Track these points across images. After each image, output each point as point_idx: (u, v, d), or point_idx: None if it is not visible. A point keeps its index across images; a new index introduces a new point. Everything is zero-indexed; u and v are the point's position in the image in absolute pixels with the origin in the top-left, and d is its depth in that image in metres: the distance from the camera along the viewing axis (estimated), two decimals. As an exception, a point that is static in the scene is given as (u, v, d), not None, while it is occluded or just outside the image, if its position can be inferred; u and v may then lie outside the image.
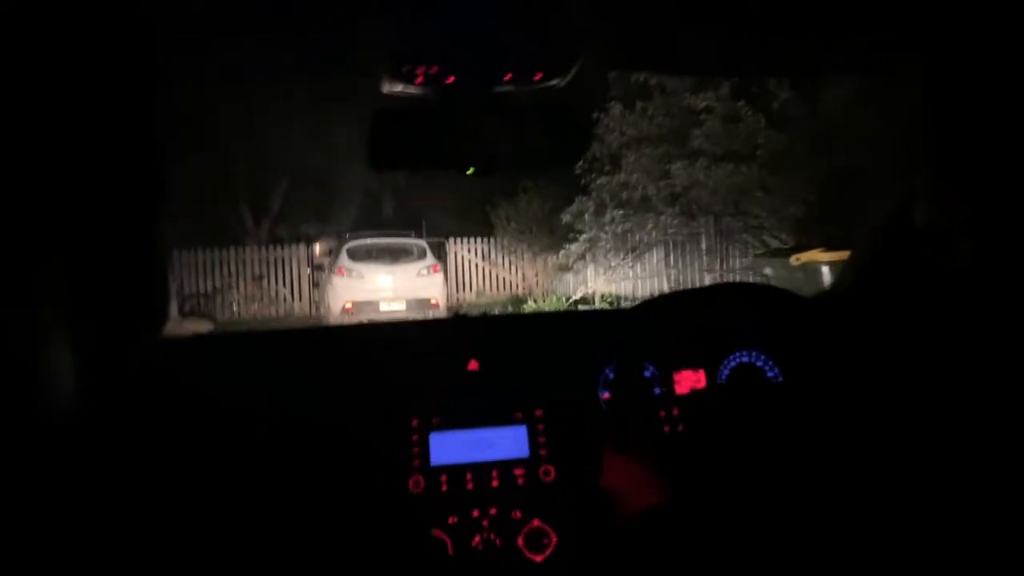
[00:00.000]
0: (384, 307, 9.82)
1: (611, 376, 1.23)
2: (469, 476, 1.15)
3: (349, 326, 1.67)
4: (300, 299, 12.14)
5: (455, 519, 1.13)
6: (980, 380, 0.85)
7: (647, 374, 1.24)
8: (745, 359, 1.24)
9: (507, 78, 1.02)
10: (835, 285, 1.28)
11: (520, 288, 12.23)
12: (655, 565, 0.98)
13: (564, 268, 10.93)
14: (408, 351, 1.23)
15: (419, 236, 11.49)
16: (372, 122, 1.04)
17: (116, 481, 0.58)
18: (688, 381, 1.25)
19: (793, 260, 7.65)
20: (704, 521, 1.03)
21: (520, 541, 1.14)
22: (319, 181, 12.53)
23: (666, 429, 1.22)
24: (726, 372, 1.24)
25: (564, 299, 10.86)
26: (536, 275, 11.89)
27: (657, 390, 1.23)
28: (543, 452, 1.18)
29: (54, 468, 0.52)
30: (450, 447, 1.16)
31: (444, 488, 1.14)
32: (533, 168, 1.16)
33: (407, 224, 11.96)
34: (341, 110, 9.74)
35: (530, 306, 10.79)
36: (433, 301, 10.17)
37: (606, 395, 1.23)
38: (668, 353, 1.24)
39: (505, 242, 12.23)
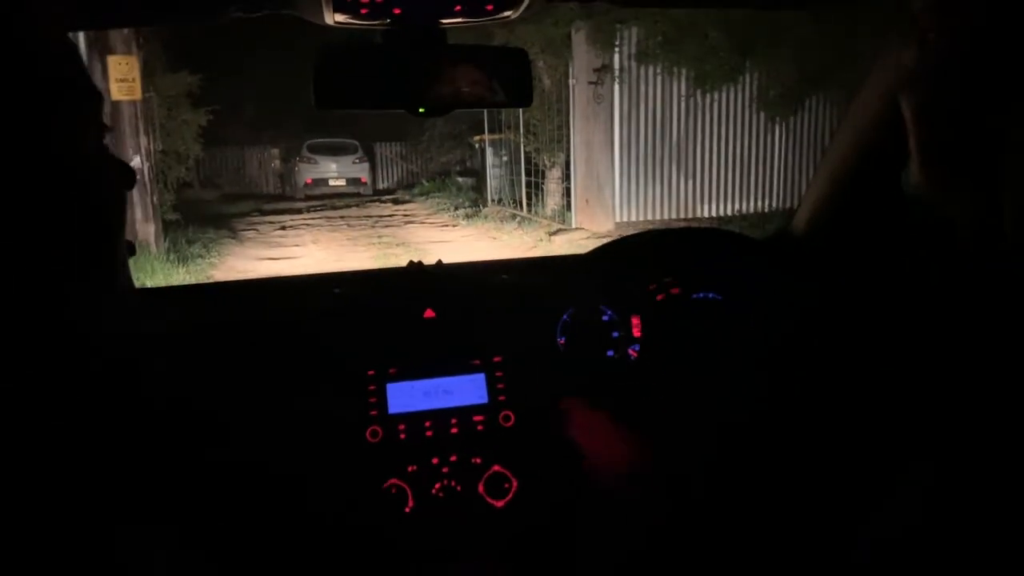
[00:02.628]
0: (332, 183, 15.24)
1: (568, 321, 1.22)
2: (428, 424, 1.13)
3: (302, 276, 1.47)
4: (268, 184, 17.36)
5: (414, 467, 1.11)
6: (937, 329, 0.84)
7: (604, 318, 1.22)
8: (701, 296, 1.23)
9: (457, 8, 0.99)
10: (791, 226, 1.28)
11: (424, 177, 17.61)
12: (627, 521, 0.99)
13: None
14: (362, 301, 1.20)
15: (355, 139, 16.64)
16: (317, 58, 1.00)
17: (67, 437, 0.53)
18: (645, 324, 1.24)
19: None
20: (667, 467, 1.04)
21: (481, 487, 1.13)
22: (278, 97, 17.14)
23: (624, 371, 1.21)
24: (684, 314, 1.23)
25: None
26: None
27: (615, 334, 1.22)
28: (502, 398, 1.17)
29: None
30: (408, 396, 1.15)
31: (403, 437, 1.12)
32: (483, 108, 1.09)
33: (347, 129, 17.01)
34: (298, 40, 10.95)
35: (427, 186, 16.25)
36: (363, 179, 15.64)
37: (563, 338, 1.22)
38: (625, 296, 1.23)
39: (419, 146, 17.60)
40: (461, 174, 15.14)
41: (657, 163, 8.72)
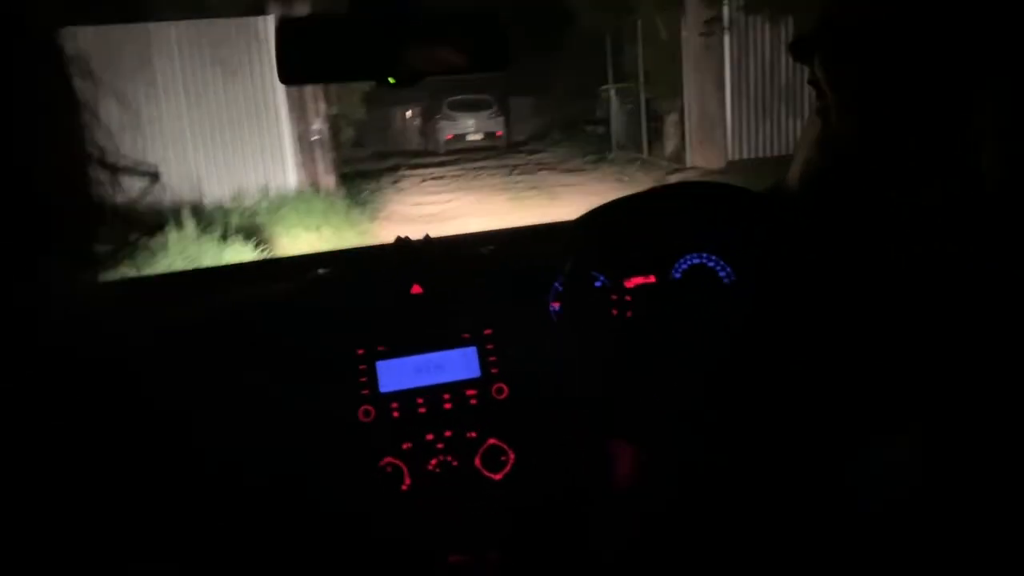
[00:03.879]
0: (469, 137, 16.50)
1: (560, 289, 1.20)
2: (420, 401, 1.13)
3: (285, 257, 1.59)
4: (410, 141, 18.92)
5: (409, 445, 1.11)
6: (936, 288, 0.81)
7: (597, 284, 1.20)
8: (696, 260, 1.20)
9: None
10: (787, 177, 1.19)
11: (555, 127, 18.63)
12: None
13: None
14: (348, 280, 1.21)
15: (491, 95, 17.84)
16: (278, 31, 0.97)
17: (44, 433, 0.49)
18: (639, 287, 1.21)
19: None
20: (665, 433, 1.05)
21: (477, 461, 1.13)
22: None
23: (618, 335, 1.19)
24: (678, 275, 1.20)
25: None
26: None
27: (609, 298, 1.20)
28: (495, 371, 1.16)
29: None
30: (399, 373, 1.14)
31: (396, 415, 1.12)
32: (457, 74, 1.06)
33: (483, 86, 18.20)
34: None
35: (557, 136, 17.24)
36: (498, 133, 16.82)
37: (556, 306, 1.20)
38: (618, 261, 1.20)
39: (550, 99, 18.58)
40: (589, 123, 16.02)
41: (766, 104, 9.35)
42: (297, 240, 6.79)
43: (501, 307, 1.19)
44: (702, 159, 9.51)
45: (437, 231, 1.27)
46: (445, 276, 1.19)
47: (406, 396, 1.13)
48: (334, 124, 8.92)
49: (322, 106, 8.24)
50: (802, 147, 1.07)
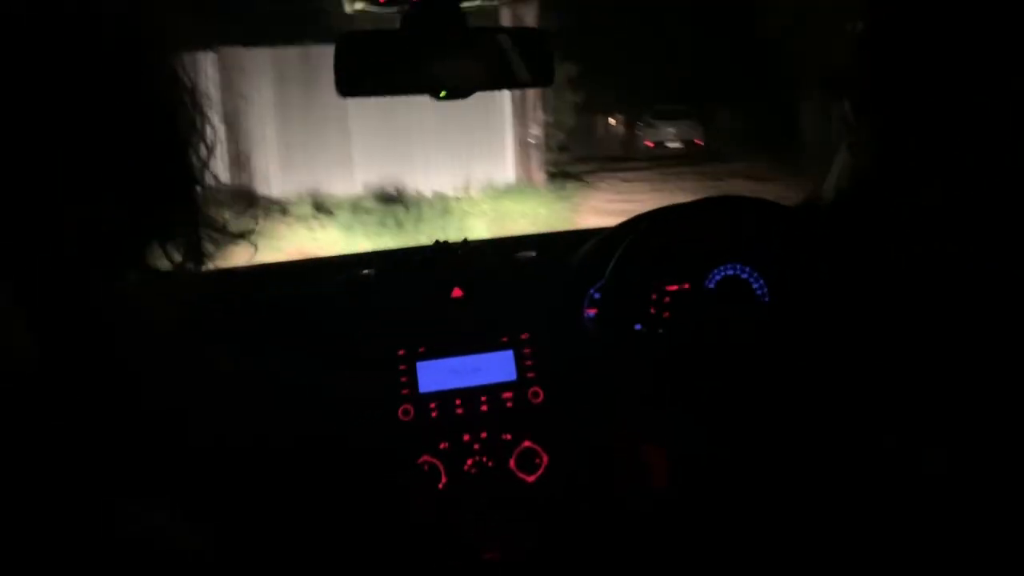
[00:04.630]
0: (669, 144, 17.47)
1: (596, 296, 1.22)
2: (458, 402, 1.16)
3: (331, 257, 1.46)
4: (611, 146, 20.20)
5: (446, 444, 1.14)
6: (970, 301, 0.81)
7: (632, 292, 1.22)
8: (731, 272, 1.21)
9: None
10: (821, 193, 1.20)
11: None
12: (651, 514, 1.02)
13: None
14: (391, 281, 1.22)
15: (691, 104, 18.64)
16: (337, 46, 0.99)
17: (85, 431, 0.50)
18: (674, 297, 1.23)
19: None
20: (696, 443, 1.05)
21: (512, 463, 1.16)
22: (620, 72, 19.83)
23: (653, 345, 1.20)
24: (712, 285, 1.21)
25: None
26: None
27: (644, 308, 1.22)
28: (531, 375, 1.19)
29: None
30: (438, 375, 1.17)
31: (434, 415, 1.14)
32: (505, 88, 1.09)
33: (684, 96, 19.02)
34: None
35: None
36: (697, 141, 17.63)
37: (591, 313, 1.22)
38: (654, 269, 1.21)
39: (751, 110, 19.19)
40: (786, 133, 16.34)
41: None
42: (516, 223, 8.17)
43: (539, 312, 1.22)
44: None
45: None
46: (485, 280, 1.22)
47: (444, 397, 1.16)
48: (547, 129, 10.29)
49: (539, 114, 9.60)
50: (839, 163, 1.08)
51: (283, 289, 1.22)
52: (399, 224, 7.57)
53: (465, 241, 1.26)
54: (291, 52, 8.52)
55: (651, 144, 17.74)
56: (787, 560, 0.96)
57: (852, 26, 0.84)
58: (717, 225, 1.25)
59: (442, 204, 8.33)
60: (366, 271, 1.25)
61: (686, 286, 1.22)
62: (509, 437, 1.17)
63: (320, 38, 7.90)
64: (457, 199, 8.66)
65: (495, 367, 1.20)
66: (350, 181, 8.84)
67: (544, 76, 1.06)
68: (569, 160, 17.80)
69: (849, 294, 0.96)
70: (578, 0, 13.04)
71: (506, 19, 8.95)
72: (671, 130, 17.75)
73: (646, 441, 1.09)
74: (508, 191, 9.08)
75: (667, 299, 1.22)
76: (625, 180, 13.44)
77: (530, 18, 8.91)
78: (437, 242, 1.24)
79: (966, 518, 0.79)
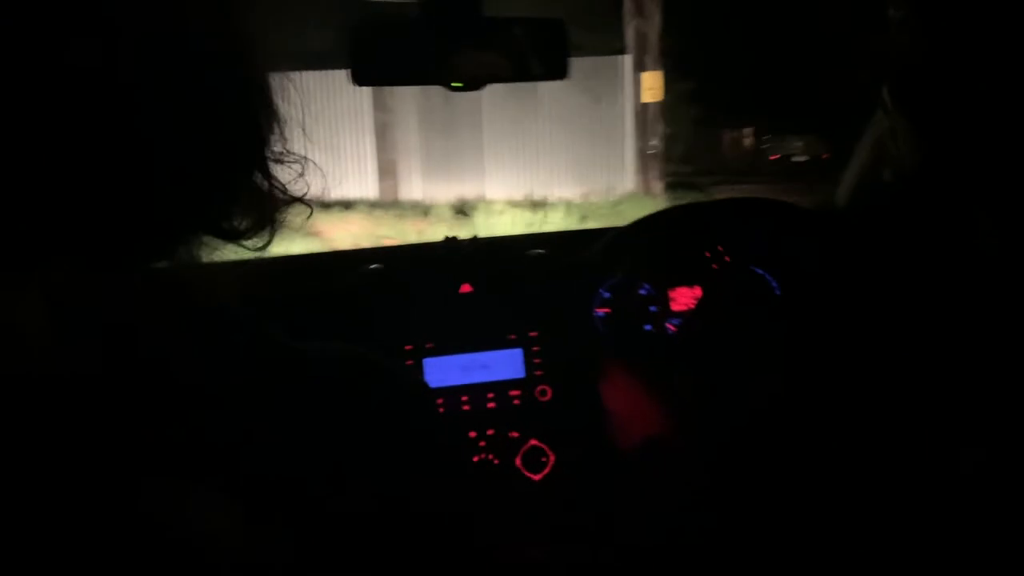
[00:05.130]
0: (795, 159, 17.37)
1: (606, 295, 1.21)
2: (465, 398, 1.16)
3: (338, 251, 1.49)
4: (737, 159, 20.38)
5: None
6: (982, 303, 0.81)
7: (642, 292, 1.21)
8: (742, 273, 1.21)
9: None
10: (834, 195, 1.24)
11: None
12: (656, 492, 0.98)
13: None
14: (399, 277, 1.21)
15: (820, 117, 18.71)
16: (352, 35, 0.99)
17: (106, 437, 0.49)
18: (684, 298, 1.22)
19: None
20: (704, 442, 1.03)
21: (518, 461, 1.15)
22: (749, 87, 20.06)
23: (662, 346, 1.20)
24: (723, 286, 1.20)
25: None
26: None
27: (653, 308, 1.21)
28: (539, 373, 1.18)
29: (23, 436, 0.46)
30: (445, 371, 1.16)
31: (440, 411, 1.13)
32: (519, 81, 1.08)
33: (813, 112, 19.14)
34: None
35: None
36: (824, 155, 17.64)
37: (601, 312, 1.21)
38: (664, 270, 1.21)
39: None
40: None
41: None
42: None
43: (548, 311, 1.20)
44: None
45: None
46: (494, 277, 1.21)
47: (451, 393, 1.16)
48: (667, 141, 10.85)
49: (660, 126, 10.19)
50: (854, 169, 1.05)
51: (289, 285, 1.16)
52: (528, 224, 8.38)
53: (475, 238, 1.27)
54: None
55: (776, 157, 17.81)
56: (800, 560, 0.93)
57: (893, 8, 0.81)
58: (730, 226, 1.25)
59: (565, 207, 9.09)
60: (375, 266, 1.25)
61: (697, 287, 1.22)
62: (516, 435, 1.18)
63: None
64: (578, 204, 9.40)
65: (503, 364, 1.20)
66: (482, 186, 9.74)
67: (558, 69, 1.06)
68: (691, 172, 18.15)
69: (863, 296, 0.93)
70: (701, 15, 13.42)
71: (629, 35, 9.63)
72: (798, 144, 17.72)
73: (653, 438, 1.04)
74: (625, 199, 9.70)
75: (676, 300, 1.22)
76: (743, 192, 13.69)
77: (653, 33, 9.54)
78: (447, 238, 1.25)
79: (983, 514, 0.77)
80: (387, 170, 9.66)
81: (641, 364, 1.14)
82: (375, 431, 0.64)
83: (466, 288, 1.21)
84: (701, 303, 1.21)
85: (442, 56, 1.02)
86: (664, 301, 1.22)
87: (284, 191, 0.59)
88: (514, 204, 9.20)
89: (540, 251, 1.28)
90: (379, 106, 9.48)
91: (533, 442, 1.18)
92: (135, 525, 0.48)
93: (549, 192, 9.66)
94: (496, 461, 1.17)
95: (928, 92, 0.81)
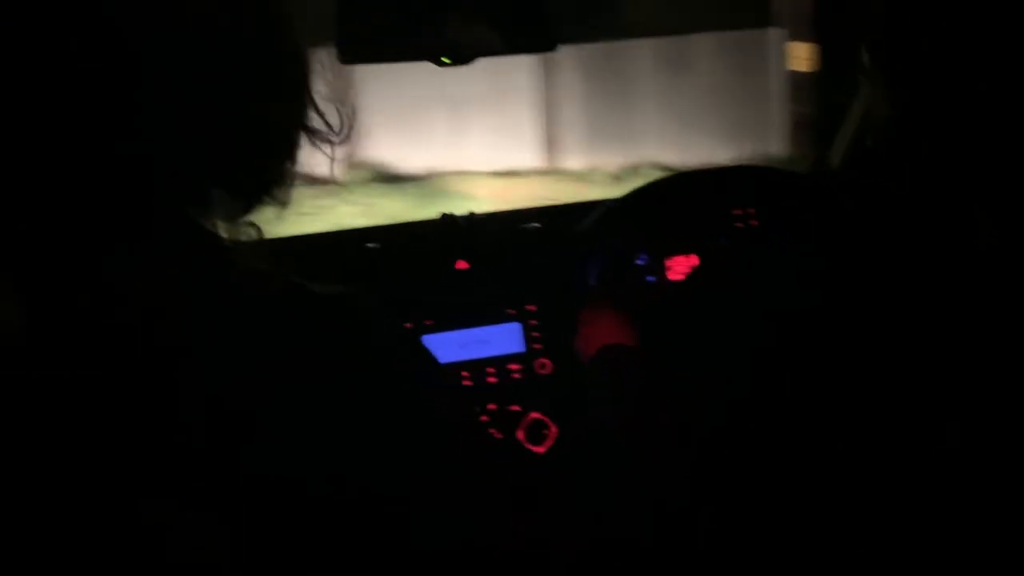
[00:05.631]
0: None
1: (602, 266, 1.24)
2: (465, 374, 1.18)
3: (333, 232, 1.44)
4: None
5: None
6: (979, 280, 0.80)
7: (639, 262, 1.24)
8: (737, 240, 1.23)
9: None
10: (829, 157, 1.26)
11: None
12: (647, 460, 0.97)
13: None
14: (396, 254, 1.23)
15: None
16: (337, 12, 1.00)
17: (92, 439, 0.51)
18: (681, 267, 1.24)
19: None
20: (697, 411, 1.02)
21: (520, 434, 1.18)
22: None
23: (660, 314, 1.21)
24: (718, 254, 1.23)
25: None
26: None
27: (650, 278, 1.24)
28: (538, 346, 1.22)
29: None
30: (445, 347, 1.18)
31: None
32: (508, 54, 1.10)
33: None
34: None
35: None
36: None
37: (597, 285, 1.24)
38: (659, 239, 1.24)
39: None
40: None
41: None
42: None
43: (545, 284, 1.24)
44: None
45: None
46: (490, 252, 1.24)
47: (452, 369, 1.19)
48: (822, 108, 11.08)
49: (811, 94, 10.50)
50: (844, 133, 1.05)
51: (286, 265, 1.09)
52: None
53: (471, 214, 1.27)
54: (597, 47, 10.52)
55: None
56: (800, 539, 0.92)
57: None
58: (723, 193, 1.27)
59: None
60: (371, 244, 1.25)
61: (692, 257, 1.23)
62: (518, 409, 1.20)
63: (615, 35, 9.68)
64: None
65: (502, 339, 1.22)
66: (638, 153, 10.57)
67: (546, 41, 1.06)
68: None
69: (856, 259, 0.92)
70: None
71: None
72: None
73: (655, 411, 1.03)
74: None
75: (673, 269, 1.23)
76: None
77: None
78: (443, 215, 1.26)
79: (980, 500, 0.77)
80: (552, 142, 10.84)
81: (639, 333, 1.14)
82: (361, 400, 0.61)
83: (462, 264, 1.24)
84: (695, 268, 1.24)
85: (430, 32, 1.04)
86: (660, 270, 1.26)
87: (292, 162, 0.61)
88: (668, 168, 9.98)
89: (536, 224, 1.31)
90: (549, 84, 10.66)
91: (534, 415, 1.21)
92: (123, 545, 0.49)
93: (701, 157, 10.31)
94: (499, 436, 1.19)
95: (904, 58, 0.82)
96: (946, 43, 0.77)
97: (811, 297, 0.99)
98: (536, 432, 1.21)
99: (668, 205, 1.30)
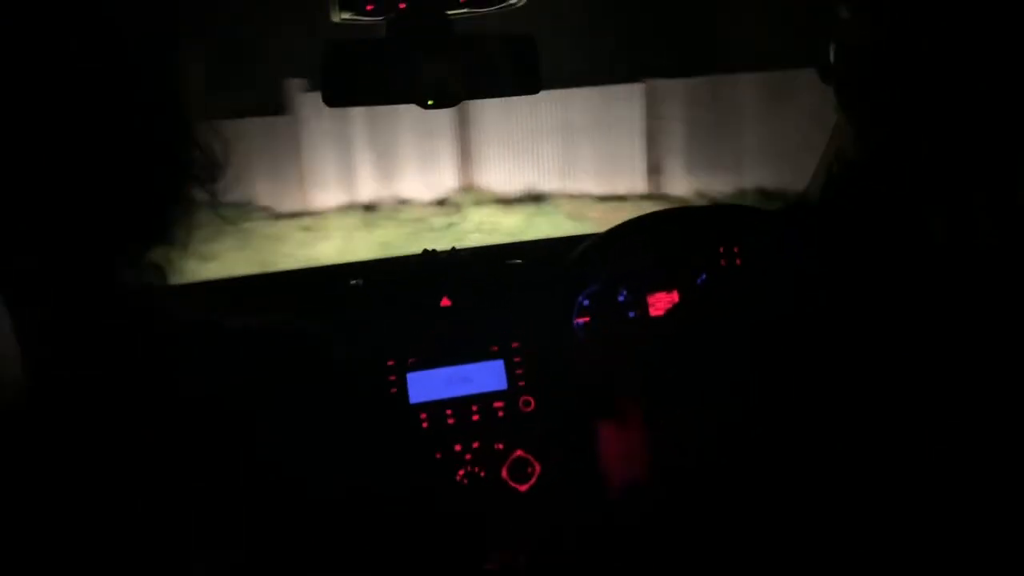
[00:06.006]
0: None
1: (585, 303, 1.23)
2: (449, 412, 1.17)
3: (318, 267, 1.47)
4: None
5: (439, 455, 1.14)
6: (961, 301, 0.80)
7: (620, 299, 1.23)
8: (716, 275, 1.23)
9: (462, 0, 0.99)
10: (804, 192, 1.27)
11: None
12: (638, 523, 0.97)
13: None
14: (379, 292, 1.22)
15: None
16: (324, 57, 1.00)
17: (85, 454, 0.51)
18: (662, 303, 1.24)
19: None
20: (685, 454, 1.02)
21: (504, 472, 1.16)
22: None
23: (643, 351, 1.21)
24: (699, 290, 1.23)
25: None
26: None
27: (632, 314, 1.23)
28: (521, 384, 1.19)
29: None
30: (428, 385, 1.17)
31: (425, 426, 1.15)
32: (492, 97, 1.10)
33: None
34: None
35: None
36: None
37: (580, 321, 1.22)
38: (640, 276, 1.23)
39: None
40: None
41: None
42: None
43: (528, 321, 1.23)
44: None
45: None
46: (473, 289, 1.23)
47: (435, 407, 1.18)
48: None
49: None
50: (821, 167, 1.12)
51: (269, 302, 1.17)
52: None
53: (453, 249, 1.27)
54: (701, 81, 11.02)
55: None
56: (784, 561, 0.93)
57: (838, 10, 0.82)
58: (702, 230, 1.26)
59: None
60: (354, 281, 1.26)
61: (673, 293, 1.23)
62: (501, 446, 1.19)
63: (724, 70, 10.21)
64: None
65: (486, 376, 1.21)
66: (740, 180, 10.95)
67: (531, 84, 1.07)
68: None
69: (831, 292, 0.94)
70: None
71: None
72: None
73: (637, 444, 1.03)
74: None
75: (656, 305, 1.23)
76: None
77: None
78: (425, 251, 1.25)
79: (968, 509, 0.77)
80: (654, 168, 11.39)
81: (623, 370, 1.13)
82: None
83: (446, 302, 1.22)
84: (677, 304, 1.23)
85: (415, 75, 1.03)
86: (642, 306, 1.24)
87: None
88: (770, 194, 10.32)
89: (518, 261, 1.30)
90: (651, 112, 11.23)
91: (519, 453, 1.19)
92: (123, 545, 0.50)
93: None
94: (483, 474, 1.18)
95: (868, 90, 0.83)
96: (912, 81, 0.79)
97: (793, 330, 0.99)
98: (520, 470, 1.21)
99: (648, 242, 1.31)
